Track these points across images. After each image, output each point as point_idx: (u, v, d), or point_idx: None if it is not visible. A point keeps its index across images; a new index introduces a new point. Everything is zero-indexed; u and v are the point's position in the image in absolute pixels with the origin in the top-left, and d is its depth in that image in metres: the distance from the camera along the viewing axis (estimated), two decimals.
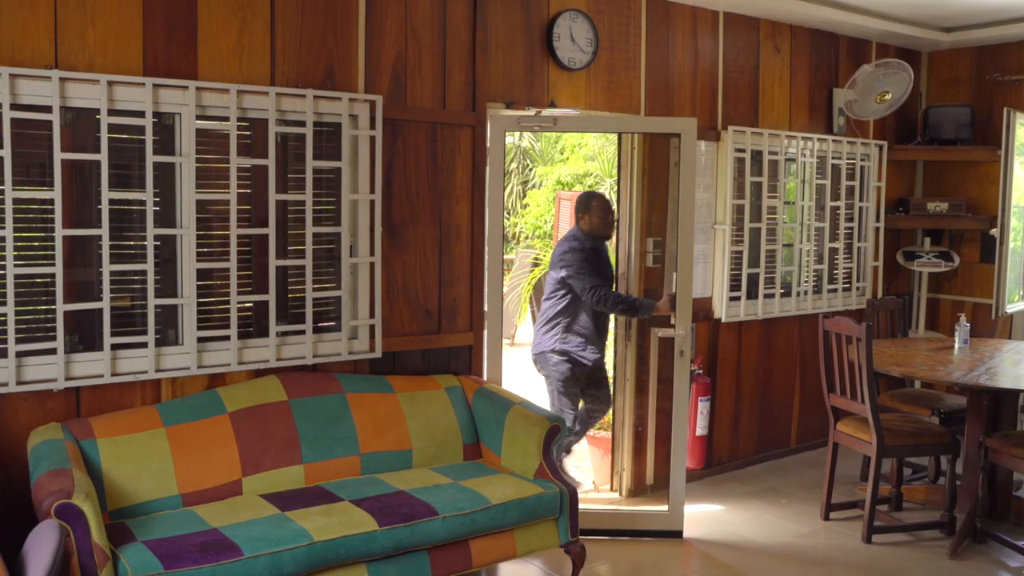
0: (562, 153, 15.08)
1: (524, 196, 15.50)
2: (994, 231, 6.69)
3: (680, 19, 5.84)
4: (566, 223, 12.74)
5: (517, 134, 14.83)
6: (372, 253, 4.58)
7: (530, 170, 15.81)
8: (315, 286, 4.45)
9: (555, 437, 4.36)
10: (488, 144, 4.98)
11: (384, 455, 4.33)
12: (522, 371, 9.66)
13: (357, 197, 4.54)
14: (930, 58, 7.52)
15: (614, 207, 5.70)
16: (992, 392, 5.19)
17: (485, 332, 5.07)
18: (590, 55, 5.35)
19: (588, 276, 5.46)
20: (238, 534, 3.48)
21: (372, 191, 4.56)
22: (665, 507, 5.22)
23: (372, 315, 4.59)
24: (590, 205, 5.56)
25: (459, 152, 4.90)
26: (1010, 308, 6.76)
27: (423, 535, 3.79)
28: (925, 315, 7.42)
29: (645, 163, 5.65)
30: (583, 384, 5.75)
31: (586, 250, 5.53)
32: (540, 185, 15.15)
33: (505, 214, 15.85)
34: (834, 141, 6.74)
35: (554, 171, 14.76)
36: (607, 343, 5.94)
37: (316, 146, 4.41)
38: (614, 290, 5.64)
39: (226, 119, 4.15)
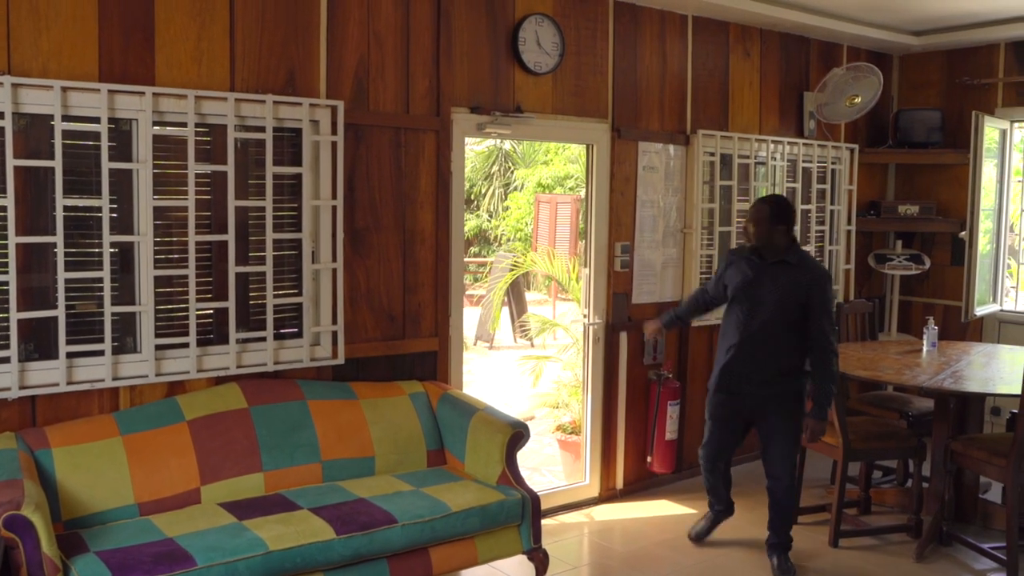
0: (546, 155, 15.10)
1: (505, 199, 15.52)
2: (963, 234, 6.71)
3: (648, 23, 5.83)
4: (546, 226, 12.77)
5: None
6: (334, 259, 4.56)
7: (511, 173, 15.83)
8: (276, 292, 4.43)
9: (518, 443, 4.36)
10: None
11: (346, 462, 4.31)
12: (501, 375, 9.70)
13: (319, 203, 4.52)
14: (901, 61, 7.54)
15: (769, 211, 4.72)
16: (957, 395, 5.20)
17: (451, 337, 5.05)
18: (556, 59, 5.34)
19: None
20: (193, 544, 3.46)
21: (334, 197, 4.54)
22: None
23: (335, 321, 4.57)
24: (751, 210, 4.85)
25: (423, 157, 4.88)
26: (979, 311, 6.79)
27: (382, 543, 3.77)
28: (897, 318, 7.43)
29: (612, 167, 5.65)
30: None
31: (729, 254, 5.06)
32: (521, 188, 15.18)
33: (487, 216, 15.90)
34: (805, 144, 6.75)
35: (535, 174, 14.79)
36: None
37: (277, 152, 4.39)
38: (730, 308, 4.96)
39: (184, 125, 4.12)
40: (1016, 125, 7.16)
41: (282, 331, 4.48)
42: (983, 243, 6.83)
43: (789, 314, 4.66)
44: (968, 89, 7.13)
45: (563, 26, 5.35)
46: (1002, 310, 7.16)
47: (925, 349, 5.82)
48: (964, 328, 7.06)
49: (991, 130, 6.79)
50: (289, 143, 4.48)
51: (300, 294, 4.50)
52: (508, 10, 5.17)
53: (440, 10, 4.89)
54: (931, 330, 5.85)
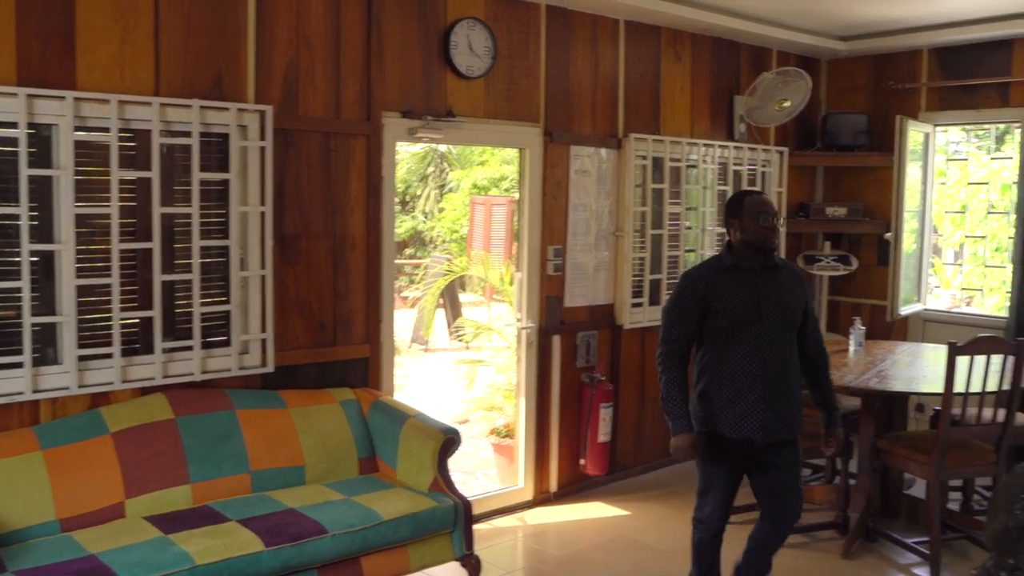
0: (481, 156, 15.08)
1: (441, 200, 15.48)
2: (889, 235, 6.85)
3: (580, 27, 5.85)
4: (481, 227, 12.76)
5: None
6: (263, 266, 4.50)
7: (447, 174, 15.78)
8: (203, 300, 4.35)
9: (450, 449, 4.35)
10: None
11: (276, 472, 4.26)
12: (437, 379, 9.67)
13: (247, 209, 4.46)
14: (829, 66, 7.67)
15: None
16: (882, 395, 5.30)
17: (382, 343, 5.02)
18: (488, 63, 5.34)
19: (668, 316, 4.02)
20: (116, 560, 3.39)
21: (263, 203, 4.48)
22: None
23: (264, 329, 4.51)
24: (742, 204, 3.93)
25: (354, 162, 4.85)
26: (904, 310, 6.94)
27: (312, 554, 3.74)
28: (826, 318, 7.57)
29: (545, 171, 5.67)
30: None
31: (695, 276, 3.99)
32: (457, 189, 15.15)
33: (423, 217, 15.84)
34: (735, 147, 6.83)
35: (471, 175, 14.78)
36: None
37: (203, 157, 4.32)
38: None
39: (107, 130, 4.03)
40: (939, 129, 7.33)
41: (210, 340, 4.41)
42: (908, 244, 6.99)
43: (796, 326, 3.97)
44: (893, 93, 7.28)
45: (495, 30, 5.35)
46: (926, 309, 7.33)
47: (852, 349, 5.92)
48: (890, 327, 7.21)
49: (915, 133, 6.94)
50: (216, 148, 4.41)
51: (228, 302, 4.44)
52: (440, 14, 5.16)
53: (371, 14, 4.86)
54: (858, 330, 5.97)
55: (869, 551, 5.20)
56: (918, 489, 5.85)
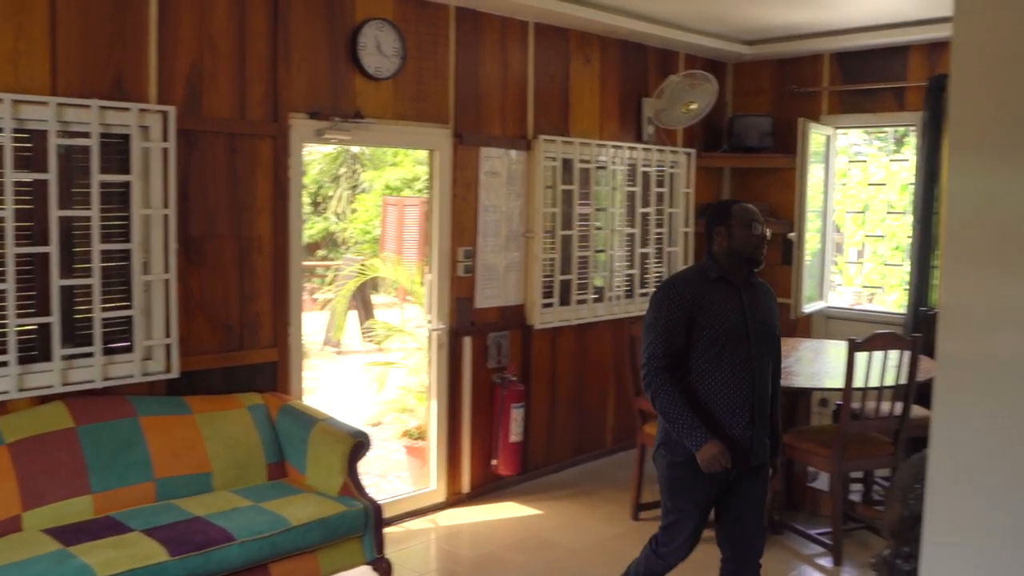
0: (395, 156, 14.99)
1: (353, 201, 15.34)
2: (792, 235, 7.01)
3: (490, 29, 5.87)
4: (393, 228, 12.69)
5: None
6: (167, 269, 4.41)
7: (359, 174, 15.65)
8: (104, 305, 4.24)
9: (359, 453, 4.32)
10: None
11: (181, 479, 4.17)
12: (349, 381, 9.59)
13: (150, 212, 4.36)
14: (735, 69, 7.82)
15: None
16: (786, 391, 5.43)
17: (291, 347, 4.96)
18: (397, 64, 5.31)
19: (653, 331, 3.62)
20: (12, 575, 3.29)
21: (166, 205, 4.39)
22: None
23: (168, 334, 4.42)
24: (730, 211, 3.64)
25: (260, 164, 4.78)
26: (808, 308, 7.11)
27: (219, 562, 3.68)
28: None
29: (455, 172, 5.67)
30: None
31: (682, 283, 3.65)
32: (369, 190, 15.03)
33: (335, 218, 15.68)
34: (644, 149, 6.92)
35: (383, 176, 14.68)
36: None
37: (104, 159, 4.21)
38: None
39: (0, 130, 3.90)
40: (840, 131, 7.54)
41: (111, 345, 4.30)
42: (811, 243, 7.17)
43: (776, 346, 3.81)
44: (796, 97, 7.46)
45: (404, 31, 5.33)
46: (829, 307, 7.52)
47: None
48: (794, 325, 7.39)
49: (817, 136, 7.13)
50: (117, 149, 4.31)
51: (130, 306, 4.33)
52: (348, 15, 5.12)
53: (277, 15, 4.80)
54: None
55: (775, 543, 5.31)
56: (822, 482, 6.00)
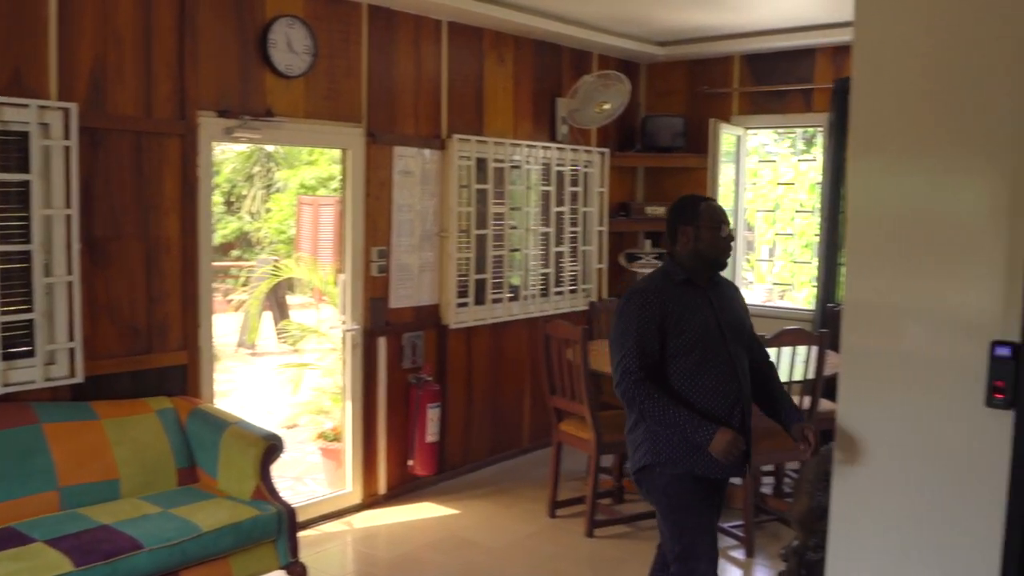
0: (310, 155, 14.82)
1: (267, 200, 15.12)
2: None
3: (403, 28, 5.83)
4: (309, 228, 12.55)
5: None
6: (70, 271, 4.28)
7: (273, 173, 15.43)
8: (3, 309, 4.10)
9: (272, 456, 4.26)
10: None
11: (87, 487, 4.06)
12: (264, 383, 9.44)
13: (51, 212, 4.23)
14: (647, 70, 7.91)
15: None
16: None
17: (201, 349, 4.86)
18: (309, 62, 5.25)
19: (626, 340, 3.38)
20: None
21: (68, 205, 4.26)
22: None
23: (71, 338, 4.29)
24: (698, 211, 3.46)
25: (167, 162, 4.67)
26: None
27: (127, 571, 3.59)
28: None
29: (368, 172, 5.63)
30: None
31: (648, 291, 3.44)
32: (284, 189, 14.85)
33: (249, 218, 15.44)
34: (558, 148, 6.96)
35: (298, 174, 14.51)
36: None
37: (1, 157, 4.07)
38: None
39: None
40: (750, 132, 7.69)
41: (11, 350, 4.14)
42: None
43: (753, 338, 3.69)
44: (708, 97, 7.58)
45: (315, 29, 5.27)
46: None
47: None
48: None
49: (728, 136, 7.26)
50: (16, 147, 4.15)
51: (31, 310, 4.19)
52: (257, 11, 5.04)
53: (184, 10, 4.70)
54: None
55: None
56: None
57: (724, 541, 5.31)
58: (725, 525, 5.36)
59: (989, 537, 3.19)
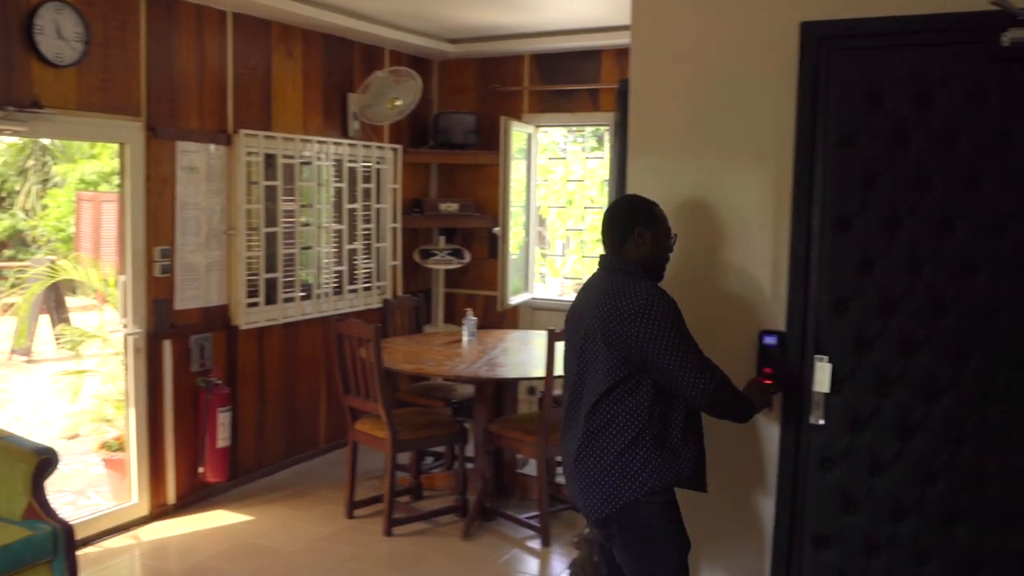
0: (92, 148, 14.04)
1: (44, 196, 14.22)
2: (497, 229, 7.23)
3: (185, 18, 5.60)
4: (89, 226, 11.89)
5: None
6: None
7: (49, 167, 14.53)
8: None
9: (45, 471, 4.01)
10: None
11: None
12: (41, 392, 8.88)
13: None
14: (440, 67, 7.94)
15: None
16: (493, 381, 5.60)
17: None
18: (81, 51, 4.95)
19: (690, 344, 2.99)
20: None
21: None
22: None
23: None
24: (655, 215, 3.17)
25: None
26: (514, 299, 7.37)
27: None
28: (443, 310, 7.86)
29: (148, 168, 5.38)
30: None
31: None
32: (62, 184, 14.01)
33: (23, 215, 14.47)
34: (350, 145, 6.88)
35: (77, 169, 13.72)
36: None
37: None
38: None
39: None
40: (541, 130, 7.85)
41: None
42: (516, 237, 7.42)
43: None
44: (499, 95, 7.68)
45: (88, 16, 4.97)
46: (534, 298, 7.82)
47: (465, 339, 6.18)
48: (502, 317, 7.63)
49: (519, 134, 7.38)
50: None
51: None
52: None
53: None
54: (469, 321, 6.23)
55: (488, 530, 5.47)
56: (531, 467, 6.24)
57: (521, 531, 5.42)
58: (521, 516, 5.47)
59: (764, 514, 3.39)
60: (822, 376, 3.18)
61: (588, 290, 3.17)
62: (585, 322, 3.06)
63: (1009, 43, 2.84)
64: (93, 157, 13.85)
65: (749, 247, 3.32)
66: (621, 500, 2.97)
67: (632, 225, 3.11)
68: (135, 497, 5.47)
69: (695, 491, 3.08)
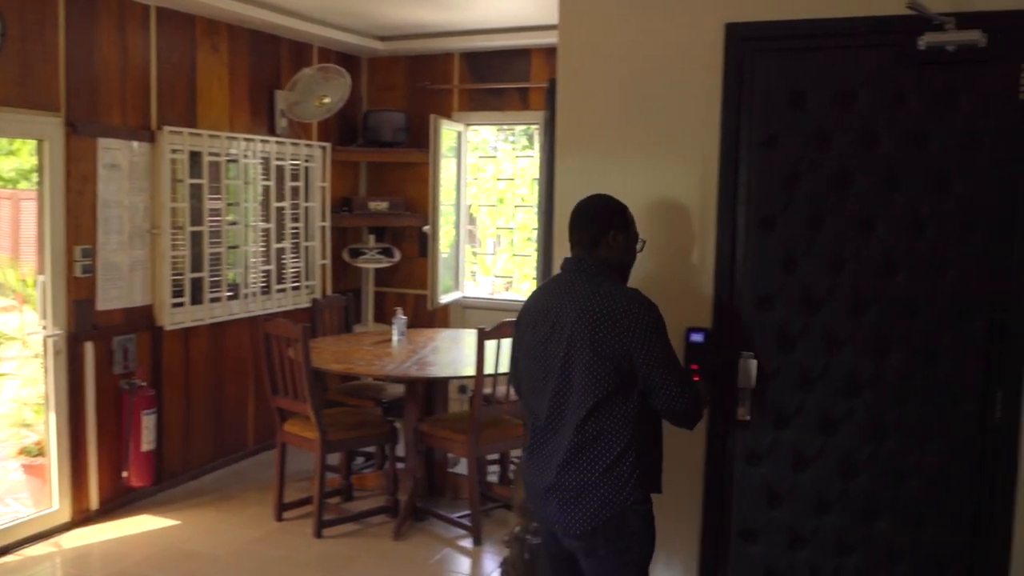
0: (10, 144, 13.64)
1: None
2: (427, 228, 7.21)
3: (106, 11, 5.47)
4: (7, 224, 11.56)
5: None
6: None
7: None
8: None
9: None
10: None
11: None
12: None
13: None
14: (369, 64, 7.88)
15: None
16: (423, 381, 5.57)
17: None
18: None
19: (672, 359, 2.91)
20: None
21: None
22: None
23: None
24: (627, 218, 3.06)
25: None
26: (444, 298, 7.35)
27: None
28: (373, 309, 7.81)
29: (68, 165, 5.25)
30: None
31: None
32: None
33: None
34: (278, 142, 6.80)
35: None
36: None
37: None
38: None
39: None
40: (471, 128, 7.84)
41: None
42: (447, 236, 7.40)
43: None
44: (429, 93, 7.65)
45: (3, 8, 4.84)
46: (465, 296, 7.81)
47: (395, 339, 6.15)
48: (432, 315, 7.60)
49: (448, 132, 7.37)
50: None
51: None
52: None
53: None
54: (399, 320, 6.20)
55: (419, 530, 5.45)
56: (463, 467, 6.23)
57: (452, 531, 5.41)
58: (453, 515, 5.46)
59: (693, 509, 3.44)
60: (748, 372, 3.23)
61: (558, 294, 2.98)
62: (567, 330, 2.88)
63: (926, 47, 2.92)
64: (11, 154, 13.43)
65: (676, 245, 3.36)
66: (609, 512, 2.86)
67: (607, 227, 2.99)
68: (56, 503, 5.34)
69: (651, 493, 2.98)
